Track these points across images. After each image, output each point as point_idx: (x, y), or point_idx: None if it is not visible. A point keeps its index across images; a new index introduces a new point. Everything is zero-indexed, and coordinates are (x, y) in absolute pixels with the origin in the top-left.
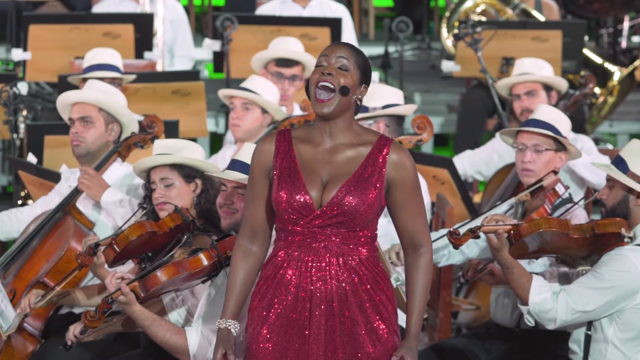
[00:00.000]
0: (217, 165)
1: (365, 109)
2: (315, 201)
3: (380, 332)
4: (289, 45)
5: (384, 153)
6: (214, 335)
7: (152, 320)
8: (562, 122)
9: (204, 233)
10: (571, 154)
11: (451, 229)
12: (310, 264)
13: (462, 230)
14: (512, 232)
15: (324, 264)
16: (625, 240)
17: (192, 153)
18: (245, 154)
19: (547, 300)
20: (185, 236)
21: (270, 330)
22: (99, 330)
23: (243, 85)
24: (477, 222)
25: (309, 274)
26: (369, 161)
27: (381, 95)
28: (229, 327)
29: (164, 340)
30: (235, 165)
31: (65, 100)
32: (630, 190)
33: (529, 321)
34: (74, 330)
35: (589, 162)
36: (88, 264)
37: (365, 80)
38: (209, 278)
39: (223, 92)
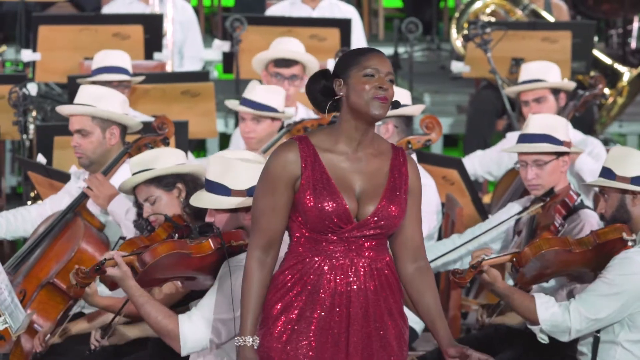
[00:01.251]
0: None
1: None
2: (352, 212)
3: (404, 332)
4: (287, 45)
5: (404, 164)
6: (205, 323)
7: (147, 298)
8: (557, 126)
9: (207, 229)
10: (574, 154)
11: (452, 269)
12: (345, 271)
13: (461, 268)
14: (514, 259)
15: (359, 271)
16: (629, 243)
17: (168, 160)
18: (216, 171)
19: (557, 313)
20: (193, 228)
21: (305, 340)
22: (120, 336)
23: (247, 96)
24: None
25: (345, 282)
26: (394, 172)
27: None
28: (253, 344)
29: (156, 321)
30: (212, 186)
31: (61, 113)
32: (624, 193)
33: (543, 339)
34: (95, 334)
35: (596, 169)
36: (80, 294)
37: None
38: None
39: (231, 105)
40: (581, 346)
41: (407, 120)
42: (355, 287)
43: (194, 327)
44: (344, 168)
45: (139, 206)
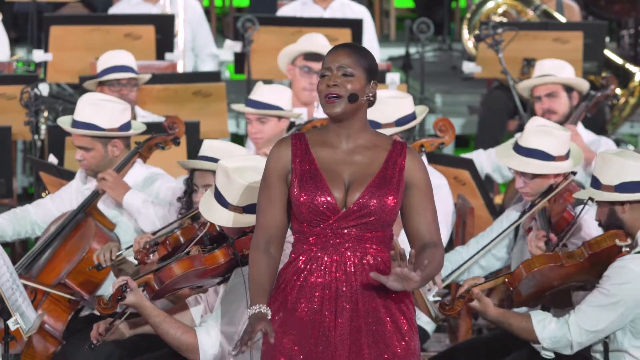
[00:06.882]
0: None
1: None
2: (339, 202)
3: (405, 330)
4: (318, 40)
5: (402, 157)
6: (222, 335)
7: (164, 317)
8: (551, 138)
9: (221, 235)
10: (566, 168)
11: (440, 302)
12: (334, 265)
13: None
14: (506, 280)
15: (348, 264)
16: (624, 249)
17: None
18: (220, 181)
19: (555, 329)
20: (201, 234)
21: (294, 334)
22: (120, 334)
23: (252, 97)
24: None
25: (333, 275)
26: (389, 164)
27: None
28: (267, 313)
29: (175, 338)
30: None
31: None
32: (612, 202)
33: (547, 355)
34: (99, 328)
35: None
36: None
37: (373, 76)
38: (224, 280)
39: (237, 108)
40: (594, 353)
41: (405, 132)
42: (343, 280)
43: (212, 340)
44: (334, 160)
45: (189, 185)
